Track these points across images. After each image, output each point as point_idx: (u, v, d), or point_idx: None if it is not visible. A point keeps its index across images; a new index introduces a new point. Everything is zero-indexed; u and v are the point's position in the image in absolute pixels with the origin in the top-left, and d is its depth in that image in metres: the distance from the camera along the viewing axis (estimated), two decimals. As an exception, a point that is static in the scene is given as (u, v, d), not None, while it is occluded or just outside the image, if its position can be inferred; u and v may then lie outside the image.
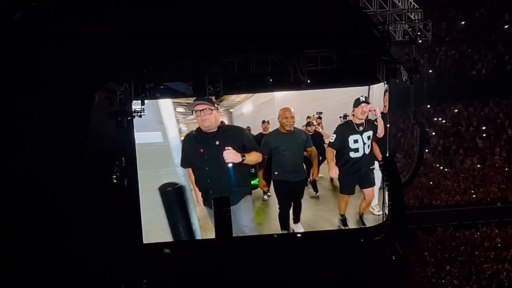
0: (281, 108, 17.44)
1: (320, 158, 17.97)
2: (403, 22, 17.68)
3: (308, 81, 16.90)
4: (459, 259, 20.11)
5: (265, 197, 17.97)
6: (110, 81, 17.26)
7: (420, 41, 17.45)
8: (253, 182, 17.70)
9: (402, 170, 19.58)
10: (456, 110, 27.83)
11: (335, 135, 17.65)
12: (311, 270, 18.11)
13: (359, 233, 18.38)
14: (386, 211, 17.78)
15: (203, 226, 17.78)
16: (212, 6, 17.60)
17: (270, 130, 17.62)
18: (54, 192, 17.31)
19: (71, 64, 17.17)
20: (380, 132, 17.84)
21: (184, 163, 17.42)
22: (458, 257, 20.25)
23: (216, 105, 17.06)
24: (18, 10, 18.86)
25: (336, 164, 17.75)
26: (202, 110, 16.94)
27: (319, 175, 17.97)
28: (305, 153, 17.80)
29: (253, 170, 17.59)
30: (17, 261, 16.62)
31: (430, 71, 28.68)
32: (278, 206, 17.88)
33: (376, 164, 17.91)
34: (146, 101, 16.79)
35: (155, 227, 17.77)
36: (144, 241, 17.76)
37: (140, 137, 17.21)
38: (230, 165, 17.00)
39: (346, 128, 17.64)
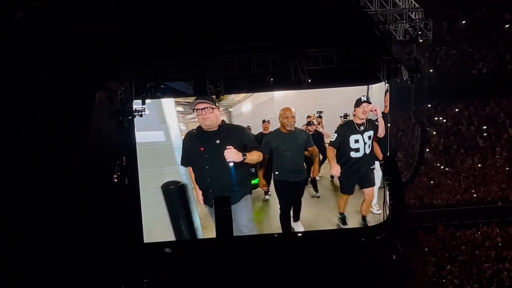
0: (282, 108, 17.44)
1: (321, 157, 17.98)
2: (404, 21, 17.65)
3: (309, 81, 16.89)
4: (460, 259, 20.09)
5: (266, 196, 17.97)
6: (110, 80, 17.25)
7: (421, 41, 17.43)
8: (253, 181, 17.70)
9: (403, 170, 19.62)
10: (457, 110, 27.78)
11: (336, 135, 17.66)
12: (311, 269, 18.09)
13: (360, 232, 18.39)
14: (387, 211, 17.79)
15: (203, 224, 17.82)
16: (212, 5, 17.59)
17: (271, 129, 17.62)
18: (54, 192, 17.31)
19: (72, 63, 17.15)
20: (381, 132, 17.84)
21: (184, 162, 17.43)
22: (459, 256, 20.23)
23: (217, 104, 17.07)
24: (19, 10, 18.85)
25: (337, 163, 17.75)
26: (204, 108, 16.95)
27: (320, 174, 17.97)
28: (306, 152, 17.80)
29: (253, 170, 17.59)
30: (17, 261, 16.62)
31: (431, 70, 28.61)
32: (278, 206, 17.88)
33: (377, 163, 17.91)
34: (149, 101, 16.81)
35: (157, 225, 17.79)
36: (146, 239, 17.78)
37: (143, 136, 17.24)
38: (231, 164, 17.01)
39: (347, 128, 17.64)
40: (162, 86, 17.59)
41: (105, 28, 17.23)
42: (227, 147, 16.98)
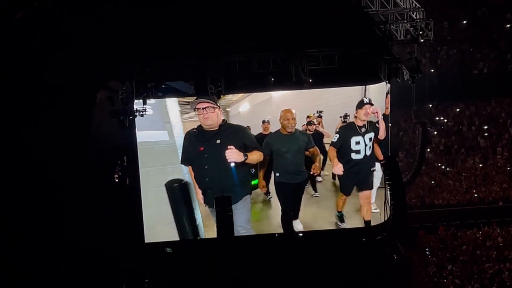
0: (282, 110, 17.44)
1: (322, 157, 17.96)
2: (405, 21, 17.64)
3: (310, 80, 16.87)
4: (461, 259, 20.07)
5: (268, 196, 17.95)
6: (111, 80, 17.24)
7: (422, 40, 17.41)
8: (253, 182, 17.67)
9: (404, 170, 19.55)
10: (458, 109, 27.75)
11: (338, 135, 17.66)
12: (312, 269, 18.08)
13: (361, 232, 18.38)
14: (388, 211, 17.77)
15: (205, 223, 17.85)
16: (213, 5, 17.58)
17: (271, 130, 17.60)
18: (55, 192, 17.32)
19: (72, 63, 17.16)
20: (382, 134, 17.85)
21: (184, 161, 17.42)
22: (460, 256, 20.21)
23: (218, 104, 17.05)
24: (20, 10, 18.86)
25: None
26: (205, 108, 16.95)
27: (325, 173, 17.96)
28: (307, 153, 17.78)
29: (253, 171, 17.56)
30: (17, 261, 16.62)
31: (432, 70, 28.57)
32: (279, 206, 17.86)
33: (377, 164, 17.91)
34: (153, 101, 16.81)
35: (160, 223, 17.82)
36: (149, 237, 17.78)
37: (147, 135, 17.28)
38: (231, 164, 16.98)
39: (348, 129, 17.67)
40: (163, 86, 17.59)
41: (105, 28, 17.25)
42: (229, 147, 16.97)
